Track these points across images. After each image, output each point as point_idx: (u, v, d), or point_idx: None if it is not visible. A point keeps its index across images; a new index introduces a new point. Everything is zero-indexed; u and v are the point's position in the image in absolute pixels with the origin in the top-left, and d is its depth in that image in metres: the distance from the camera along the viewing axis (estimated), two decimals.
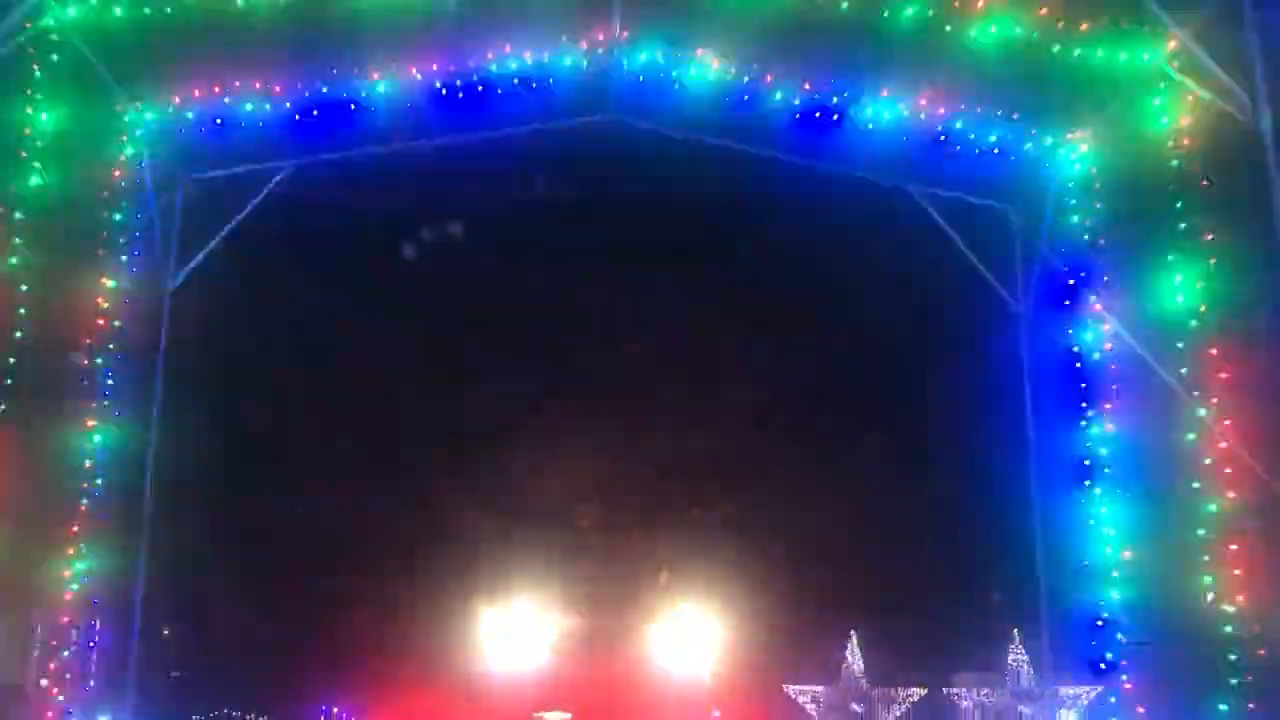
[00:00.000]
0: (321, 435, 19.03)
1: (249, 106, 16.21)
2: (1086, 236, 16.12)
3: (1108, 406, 15.88)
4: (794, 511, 18.19)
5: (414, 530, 18.67)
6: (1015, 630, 16.29)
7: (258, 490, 18.54)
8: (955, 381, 17.36)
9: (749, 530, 18.08)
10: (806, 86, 16.01)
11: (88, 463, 15.47)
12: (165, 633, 18.39)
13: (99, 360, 15.67)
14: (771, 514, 18.31)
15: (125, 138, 16.20)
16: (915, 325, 17.81)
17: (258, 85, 16.06)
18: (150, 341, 17.33)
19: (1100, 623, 15.57)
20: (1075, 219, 16.41)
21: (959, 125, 16.09)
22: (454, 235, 19.09)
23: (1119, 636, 15.37)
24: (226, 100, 16.16)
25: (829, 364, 18.47)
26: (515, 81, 16.17)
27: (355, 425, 19.02)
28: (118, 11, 14.70)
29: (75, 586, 15.10)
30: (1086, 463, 16.06)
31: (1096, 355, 16.27)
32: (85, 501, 15.37)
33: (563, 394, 19.16)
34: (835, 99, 16.05)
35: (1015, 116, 15.92)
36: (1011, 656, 16.23)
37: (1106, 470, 15.82)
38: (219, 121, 16.32)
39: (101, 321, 15.69)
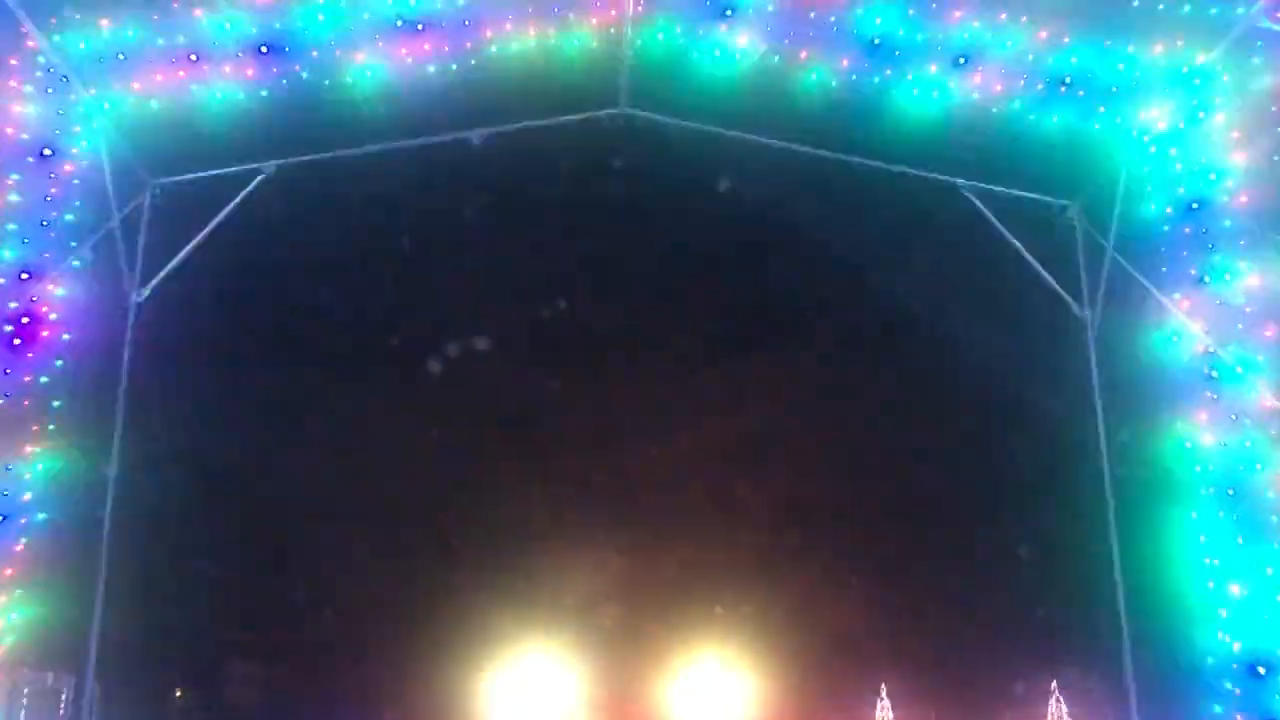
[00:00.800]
0: (307, 469, 17.13)
1: (221, 96, 14.60)
2: (1166, 228, 14.19)
3: (1203, 418, 13.70)
4: (856, 542, 16.88)
5: (406, 579, 16.79)
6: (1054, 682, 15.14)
7: (235, 529, 16.65)
8: (1016, 400, 15.37)
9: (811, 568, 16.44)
10: (844, 64, 14.29)
11: (26, 495, 13.56)
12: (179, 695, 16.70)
13: (43, 379, 13.85)
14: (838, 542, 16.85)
15: (79, 129, 14.44)
16: (969, 341, 15.84)
17: (228, 70, 14.39)
18: (110, 359, 15.43)
19: (1203, 673, 13.24)
20: (1150, 209, 14.46)
21: (1016, 106, 14.33)
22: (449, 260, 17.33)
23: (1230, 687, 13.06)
24: (195, 89, 14.54)
25: (879, 389, 16.59)
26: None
27: (343, 456, 17.13)
28: None
29: (7, 640, 13.12)
30: (1175, 485, 13.76)
31: (1182, 362, 14.14)
32: (23, 540, 13.44)
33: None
34: (876, 79, 14.34)
35: (1081, 94, 14.07)
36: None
37: (1203, 493, 13.60)
38: (189, 114, 14.73)
39: (46, 333, 13.89)
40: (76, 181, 14.36)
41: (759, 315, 17.92)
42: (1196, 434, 13.70)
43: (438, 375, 17.31)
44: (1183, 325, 14.02)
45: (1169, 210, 14.13)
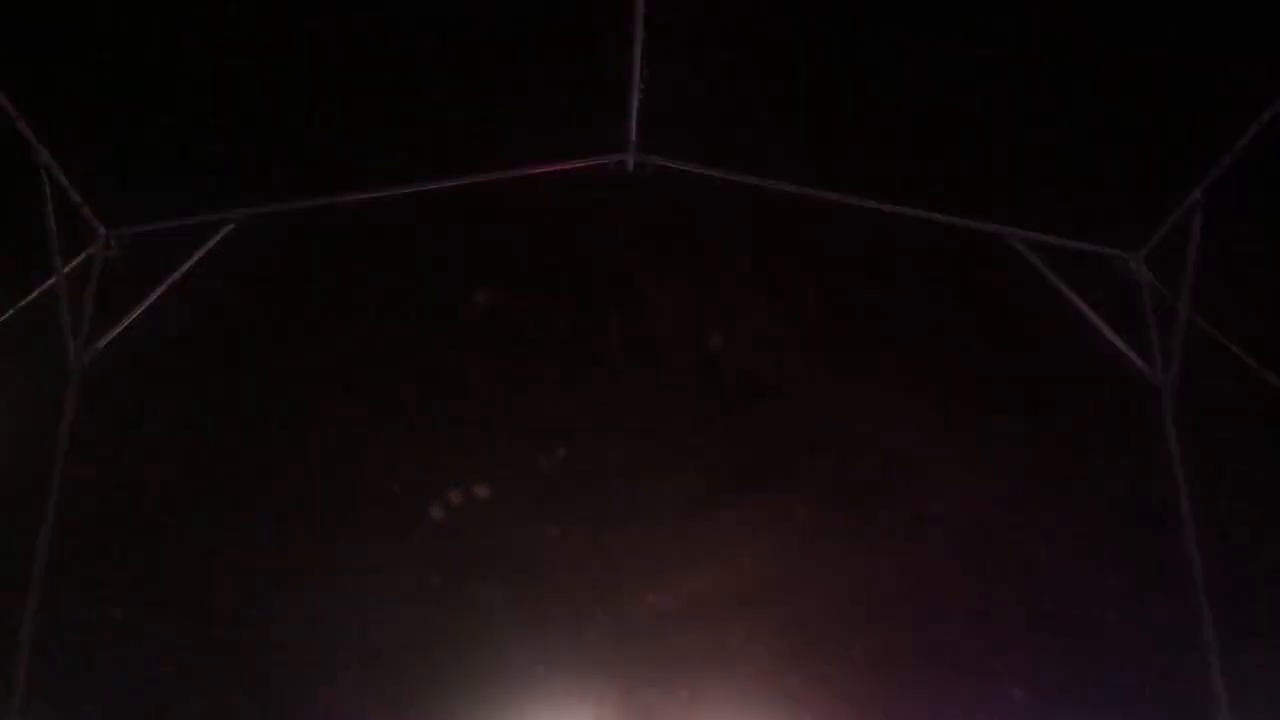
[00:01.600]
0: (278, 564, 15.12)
1: (182, 138, 13.17)
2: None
3: None
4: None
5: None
6: None
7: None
8: (1083, 487, 13.28)
9: None
10: None
11: None
12: None
13: None
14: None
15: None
16: (1028, 419, 13.88)
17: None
18: (44, 433, 13.56)
19: None
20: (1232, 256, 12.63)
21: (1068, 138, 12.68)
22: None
23: None
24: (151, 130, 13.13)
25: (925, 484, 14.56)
26: None
27: (315, 546, 15.12)
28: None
29: None
30: None
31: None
32: None
33: None
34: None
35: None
36: None
37: None
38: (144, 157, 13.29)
39: None
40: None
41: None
42: None
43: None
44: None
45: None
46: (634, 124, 13.20)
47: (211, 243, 14.08)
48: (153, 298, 14.02)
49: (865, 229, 13.66)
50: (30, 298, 13.28)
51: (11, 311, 13.19)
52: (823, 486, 15.56)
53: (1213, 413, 12.65)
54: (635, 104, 12.82)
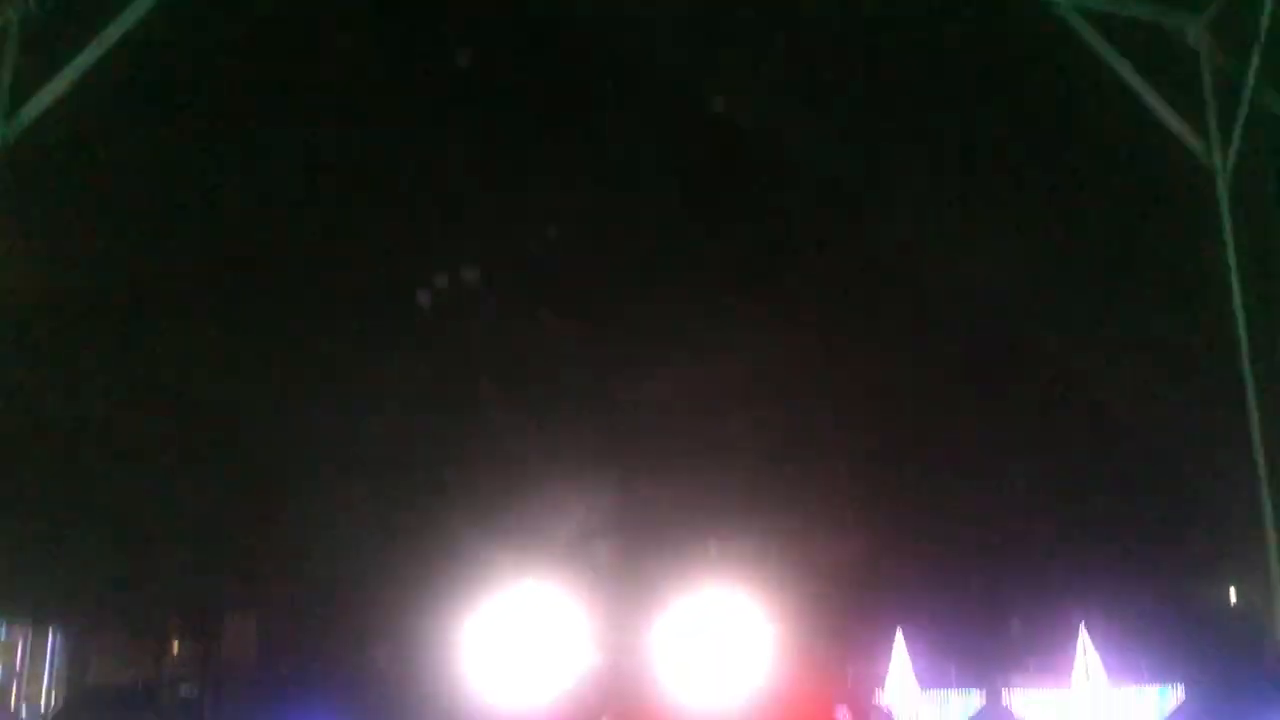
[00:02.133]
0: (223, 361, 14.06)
1: None
2: None
3: None
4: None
5: (398, 518, 14.83)
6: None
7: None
8: (1128, 270, 12.46)
9: None
10: None
11: None
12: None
13: None
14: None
15: None
16: (1071, 198, 12.86)
17: None
18: None
19: None
20: None
21: None
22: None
23: None
24: None
25: (965, 258, 13.64)
26: None
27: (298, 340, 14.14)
28: None
29: None
30: None
31: None
32: None
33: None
34: None
35: None
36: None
37: None
38: None
39: None
40: None
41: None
42: None
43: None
44: None
45: None
46: None
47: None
48: (87, 57, 12.14)
49: None
50: None
51: None
52: (832, 275, 14.69)
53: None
54: None
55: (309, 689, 14.99)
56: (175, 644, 15.91)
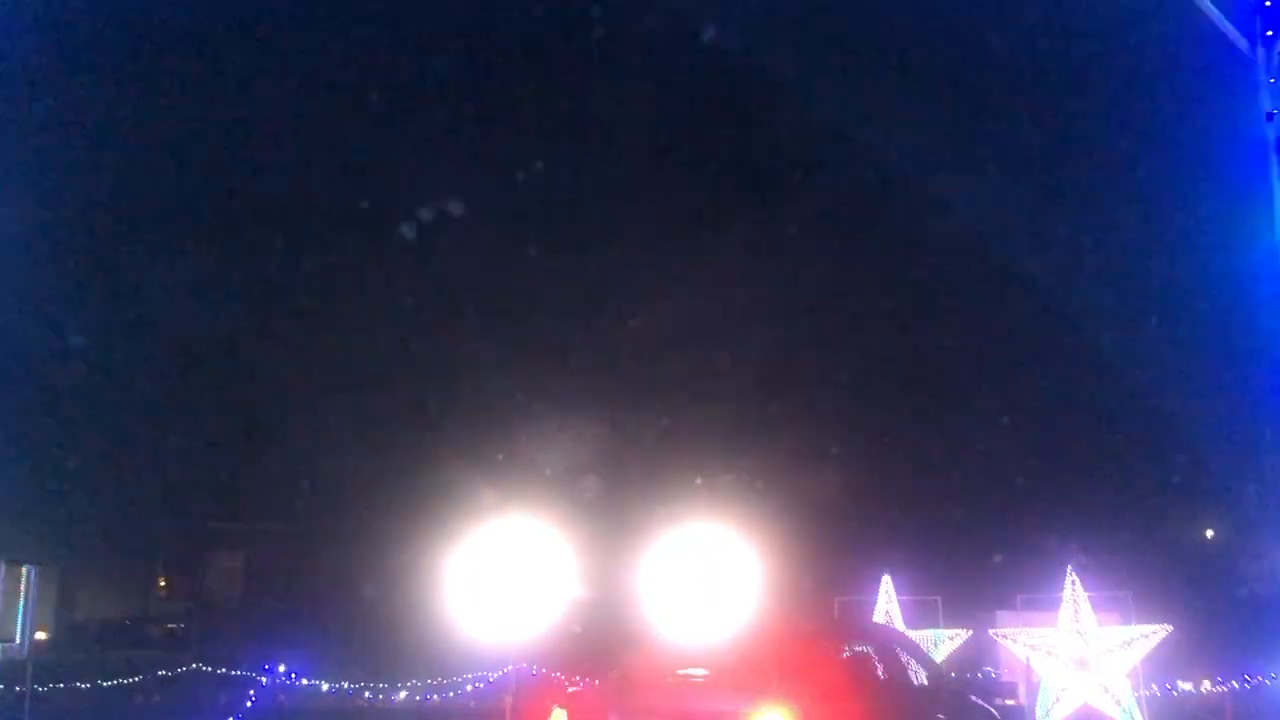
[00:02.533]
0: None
1: None
2: None
3: None
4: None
5: (384, 450, 14.86)
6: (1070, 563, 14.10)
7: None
8: (1165, 166, 12.13)
9: None
10: None
11: None
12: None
13: None
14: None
15: None
16: (1104, 90, 12.58)
17: None
18: None
19: None
20: None
21: None
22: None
23: None
24: None
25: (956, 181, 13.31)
26: None
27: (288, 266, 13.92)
28: None
29: None
30: None
31: None
32: None
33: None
34: None
35: None
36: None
37: None
38: None
39: None
40: None
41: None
42: None
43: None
44: None
45: None
46: None
47: None
48: None
49: None
50: None
51: None
52: (820, 201, 14.41)
53: None
54: None
55: (295, 623, 14.94)
56: (162, 580, 15.85)
